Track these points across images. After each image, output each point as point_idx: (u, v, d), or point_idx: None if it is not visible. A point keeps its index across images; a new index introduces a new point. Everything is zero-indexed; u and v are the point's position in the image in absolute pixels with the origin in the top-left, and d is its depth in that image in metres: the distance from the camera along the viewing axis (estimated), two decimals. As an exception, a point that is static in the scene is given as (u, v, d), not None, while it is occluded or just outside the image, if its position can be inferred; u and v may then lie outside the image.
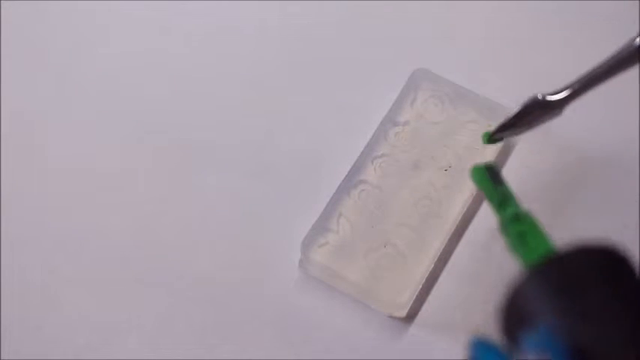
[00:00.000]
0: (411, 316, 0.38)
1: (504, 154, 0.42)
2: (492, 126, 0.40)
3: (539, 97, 0.37)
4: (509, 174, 0.41)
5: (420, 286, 0.38)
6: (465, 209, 0.40)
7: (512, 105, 0.41)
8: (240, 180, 0.41)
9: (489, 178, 0.34)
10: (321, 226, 0.39)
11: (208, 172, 0.42)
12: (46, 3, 0.46)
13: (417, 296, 0.38)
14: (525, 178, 0.41)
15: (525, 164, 0.41)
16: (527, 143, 0.42)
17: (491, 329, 0.37)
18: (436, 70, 0.42)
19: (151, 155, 0.42)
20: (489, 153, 0.41)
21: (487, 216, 0.40)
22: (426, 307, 0.38)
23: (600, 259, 0.26)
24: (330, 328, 0.38)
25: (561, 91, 0.37)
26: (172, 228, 0.40)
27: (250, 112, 0.43)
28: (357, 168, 0.40)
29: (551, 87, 0.43)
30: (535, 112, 0.37)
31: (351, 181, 0.40)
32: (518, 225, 0.31)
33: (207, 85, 0.44)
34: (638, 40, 0.35)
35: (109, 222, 0.40)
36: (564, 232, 0.40)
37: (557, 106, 0.37)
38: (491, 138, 0.39)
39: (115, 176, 0.41)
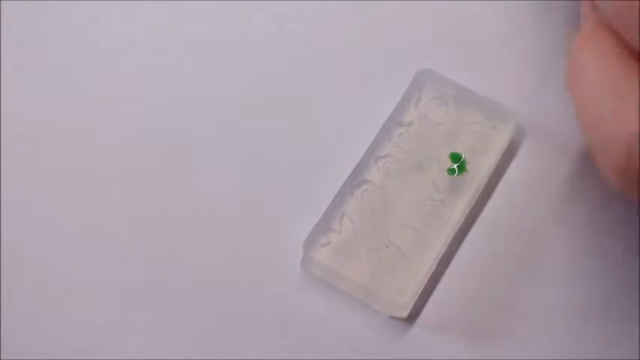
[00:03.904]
0: (412, 317, 0.38)
1: (509, 155, 0.41)
2: (497, 128, 0.40)
3: None
4: (514, 174, 0.41)
5: (422, 287, 0.38)
6: (469, 210, 0.40)
7: (516, 106, 0.41)
8: (242, 180, 0.41)
9: None
10: (323, 226, 0.39)
11: (209, 172, 0.41)
12: (46, 3, 0.45)
13: (418, 297, 0.38)
14: (531, 178, 0.41)
15: (531, 165, 0.41)
16: (532, 144, 0.42)
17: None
18: (441, 71, 0.42)
19: (150, 156, 0.42)
20: (493, 154, 0.41)
21: (491, 218, 0.40)
22: (428, 308, 0.38)
23: None
24: (331, 328, 0.38)
25: None
26: (173, 228, 0.40)
27: (252, 112, 0.43)
28: (360, 168, 0.40)
29: (554, 88, 0.43)
30: None
31: (354, 181, 0.40)
32: None
33: (207, 84, 0.44)
34: None
35: (109, 222, 0.40)
36: (569, 230, 0.40)
37: None
38: None
39: (115, 177, 0.41)
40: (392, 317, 0.38)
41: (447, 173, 0.40)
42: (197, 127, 0.43)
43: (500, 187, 0.41)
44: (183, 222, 0.40)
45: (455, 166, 0.40)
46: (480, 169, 0.40)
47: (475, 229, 0.40)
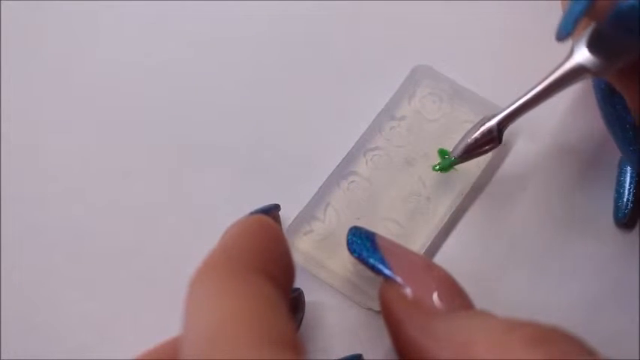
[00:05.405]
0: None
1: (501, 154, 0.41)
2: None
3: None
4: (507, 173, 0.40)
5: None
6: (454, 208, 0.39)
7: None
8: (238, 175, 0.41)
9: None
10: (307, 214, 0.39)
11: (207, 168, 0.41)
12: (46, 3, 0.46)
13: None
14: (523, 176, 0.41)
15: (522, 164, 0.41)
16: (524, 143, 0.41)
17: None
18: (438, 68, 0.42)
19: (150, 155, 0.42)
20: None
21: (476, 216, 0.40)
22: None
23: None
24: (309, 316, 0.38)
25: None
26: (172, 227, 0.40)
27: (250, 108, 0.43)
28: (349, 159, 0.40)
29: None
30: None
31: (342, 172, 0.40)
32: None
33: (204, 80, 0.44)
34: (578, 57, 0.34)
35: (108, 221, 0.41)
36: (564, 228, 0.39)
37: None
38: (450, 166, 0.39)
39: (114, 176, 0.42)
40: (369, 309, 0.38)
41: (434, 170, 0.40)
42: (194, 123, 0.43)
43: (491, 187, 0.41)
44: (182, 221, 0.40)
45: (443, 163, 0.39)
46: (469, 168, 0.40)
47: (460, 227, 0.40)
